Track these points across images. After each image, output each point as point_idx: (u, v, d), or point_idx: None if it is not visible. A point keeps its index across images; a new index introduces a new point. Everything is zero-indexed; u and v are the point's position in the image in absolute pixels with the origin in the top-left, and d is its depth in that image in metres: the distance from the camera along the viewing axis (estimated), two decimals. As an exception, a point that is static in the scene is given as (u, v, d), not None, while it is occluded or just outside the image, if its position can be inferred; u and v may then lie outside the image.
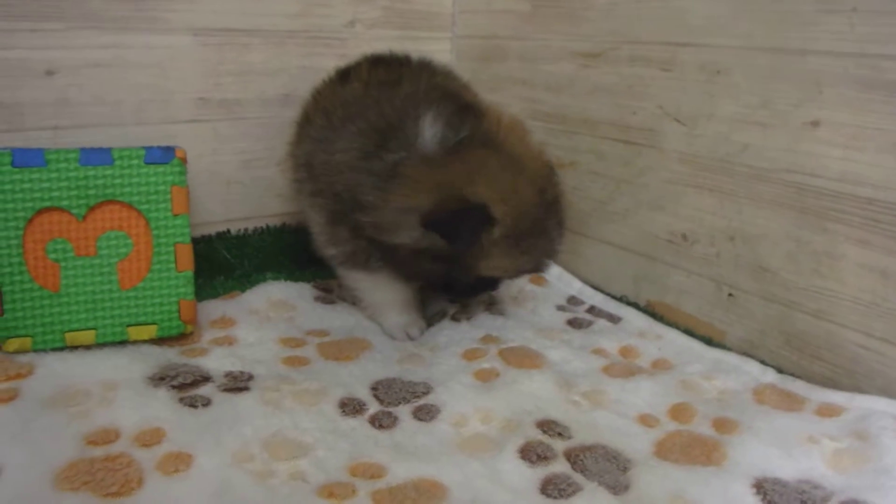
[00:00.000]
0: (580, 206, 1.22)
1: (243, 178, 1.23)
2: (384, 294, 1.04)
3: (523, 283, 1.20)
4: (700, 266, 1.05)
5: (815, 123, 0.88)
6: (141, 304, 0.89)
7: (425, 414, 0.80)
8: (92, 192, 0.85)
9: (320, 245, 1.02)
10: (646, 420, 0.79)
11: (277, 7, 1.19)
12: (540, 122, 1.25)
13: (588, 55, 1.17)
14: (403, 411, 0.80)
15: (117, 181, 0.86)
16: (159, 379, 0.81)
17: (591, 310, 1.12)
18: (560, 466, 0.71)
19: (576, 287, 1.19)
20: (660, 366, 0.94)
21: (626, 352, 0.98)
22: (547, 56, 1.24)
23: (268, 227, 1.27)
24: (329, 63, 1.26)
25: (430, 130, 0.89)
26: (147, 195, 0.87)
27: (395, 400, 0.82)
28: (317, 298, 1.11)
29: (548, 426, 0.77)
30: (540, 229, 0.89)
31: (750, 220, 0.97)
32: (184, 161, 0.90)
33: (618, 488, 0.67)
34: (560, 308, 1.13)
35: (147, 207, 0.88)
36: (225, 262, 1.22)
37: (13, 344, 0.84)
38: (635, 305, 1.12)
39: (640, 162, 1.11)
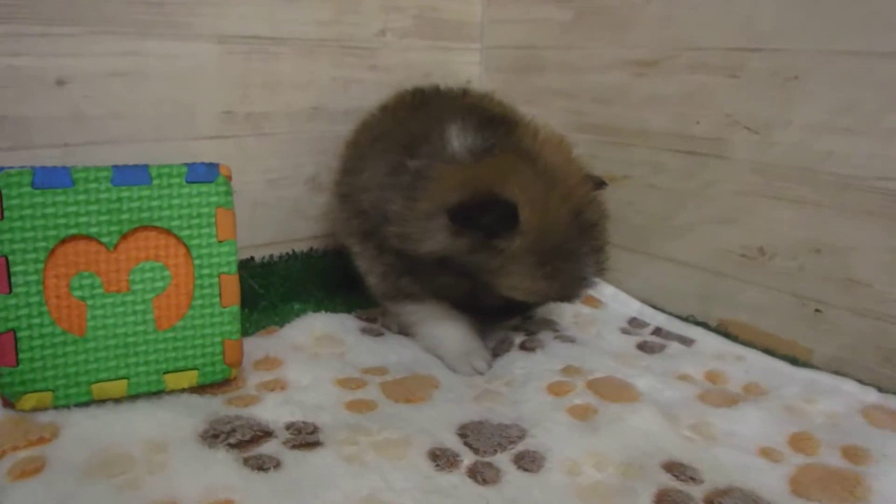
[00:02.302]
0: (634, 222, 1.12)
1: (269, 199, 1.09)
2: (438, 324, 0.93)
3: (577, 307, 1.09)
4: (780, 281, 0.95)
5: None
6: (180, 347, 0.74)
7: (530, 462, 0.67)
8: (126, 216, 0.70)
9: (371, 286, 0.96)
10: (768, 454, 0.70)
11: (308, 14, 1.06)
12: (586, 135, 1.15)
13: (642, 63, 1.07)
14: (503, 461, 0.68)
15: (155, 203, 0.71)
16: (213, 436, 0.67)
17: (658, 332, 1.01)
18: None
19: (634, 307, 1.08)
20: (752, 390, 0.84)
21: (712, 377, 0.88)
22: (593, 66, 1.14)
23: (294, 252, 1.13)
24: (359, 74, 1.14)
25: (457, 139, 0.85)
26: (189, 219, 0.73)
27: (491, 447, 0.69)
28: (363, 331, 0.97)
29: (676, 469, 0.66)
30: (569, 253, 0.80)
31: (837, 231, 0.88)
32: (229, 179, 0.76)
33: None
34: (624, 331, 1.02)
35: (188, 233, 0.73)
36: (250, 293, 1.07)
37: (29, 400, 0.68)
38: (704, 325, 1.02)
39: (705, 173, 1.02)
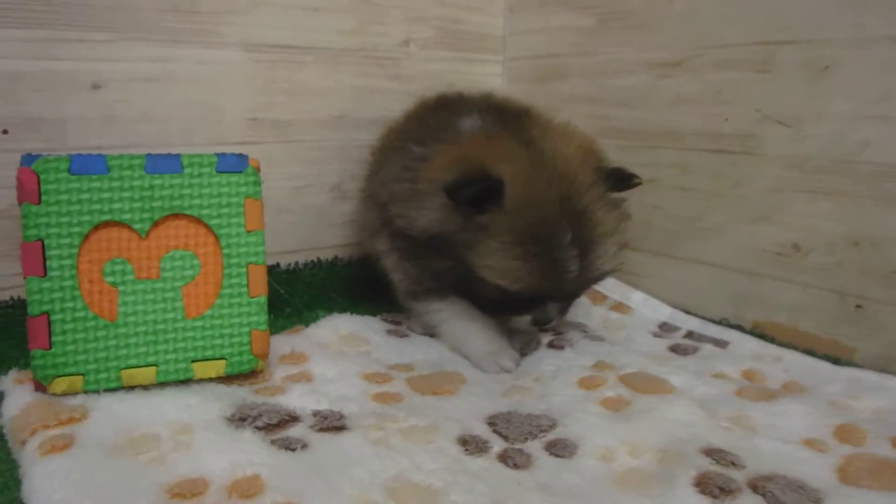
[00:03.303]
0: (663, 226, 1.12)
1: (293, 206, 1.12)
2: (464, 323, 0.93)
3: (605, 312, 1.09)
4: (818, 278, 0.94)
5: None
6: (208, 336, 0.76)
7: (562, 449, 0.67)
8: (157, 204, 0.73)
9: (396, 285, 0.99)
10: (813, 444, 0.68)
11: (333, 24, 1.10)
12: (612, 140, 1.17)
13: (666, 65, 1.09)
14: (534, 447, 0.67)
15: (186, 192, 0.74)
16: (240, 420, 0.68)
17: (690, 335, 1.00)
18: (751, 500, 0.58)
19: (665, 312, 1.07)
20: (792, 388, 0.83)
21: (749, 375, 0.86)
22: (617, 70, 1.16)
23: (319, 260, 1.16)
24: (382, 84, 1.18)
25: (467, 127, 0.89)
26: (218, 208, 0.75)
27: (521, 435, 0.69)
28: (389, 332, 0.98)
29: (715, 454, 0.65)
30: (549, 238, 0.79)
31: (877, 222, 0.87)
32: (258, 171, 0.79)
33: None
34: (655, 335, 1.01)
35: (218, 222, 0.76)
36: (275, 298, 1.09)
37: (61, 384, 0.70)
38: (739, 328, 1.00)
39: (735, 172, 1.02)
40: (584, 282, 0.86)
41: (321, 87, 1.12)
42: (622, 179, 0.88)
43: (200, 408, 0.69)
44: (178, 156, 0.74)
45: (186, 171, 0.74)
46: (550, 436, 0.69)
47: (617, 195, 0.88)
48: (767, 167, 0.98)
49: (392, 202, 0.88)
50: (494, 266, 0.79)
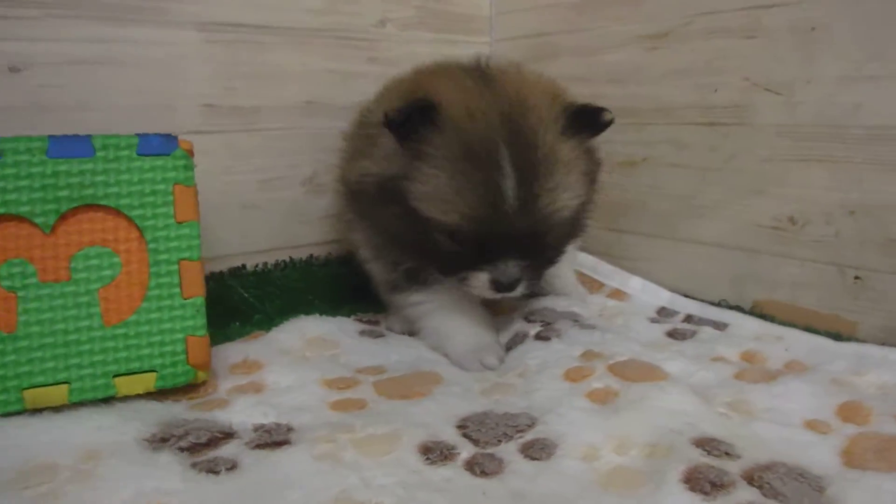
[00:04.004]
0: (659, 206, 0.98)
1: (261, 201, 0.98)
2: (447, 318, 0.80)
3: (603, 300, 0.95)
4: (815, 251, 0.83)
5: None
6: (134, 345, 0.62)
7: (539, 451, 0.54)
8: (64, 193, 0.59)
9: (375, 277, 0.88)
10: (815, 426, 0.60)
11: (301, 1, 0.97)
12: (604, 118, 1.03)
13: (654, 37, 0.96)
14: (508, 451, 0.54)
15: (100, 179, 0.60)
16: (160, 440, 0.54)
17: (689, 319, 0.87)
18: (746, 494, 0.49)
19: (664, 297, 0.94)
20: (794, 367, 0.73)
21: (749, 357, 0.76)
22: (606, 46, 1.02)
23: (292, 260, 1.02)
24: (358, 67, 1.04)
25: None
26: (141, 197, 0.62)
27: (493, 438, 0.56)
28: (362, 333, 0.84)
29: (708, 444, 0.54)
30: (484, 157, 0.67)
31: (873, 188, 0.77)
32: (190, 154, 0.65)
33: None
34: (653, 321, 0.88)
35: (141, 213, 0.62)
36: (241, 305, 0.95)
37: (-48, 408, 0.57)
38: (739, 309, 0.88)
39: (728, 144, 0.89)
40: (535, 221, 0.69)
41: (289, 70, 0.98)
42: (590, 115, 0.72)
43: (114, 430, 0.55)
44: (88, 137, 0.60)
45: (99, 154, 0.60)
46: (528, 436, 0.57)
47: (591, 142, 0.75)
48: (760, 137, 0.87)
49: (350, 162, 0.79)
50: (429, 195, 0.68)
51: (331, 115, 1.02)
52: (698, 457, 0.53)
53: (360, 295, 1.00)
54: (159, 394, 0.64)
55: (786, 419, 0.60)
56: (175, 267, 0.63)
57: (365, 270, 0.89)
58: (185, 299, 0.64)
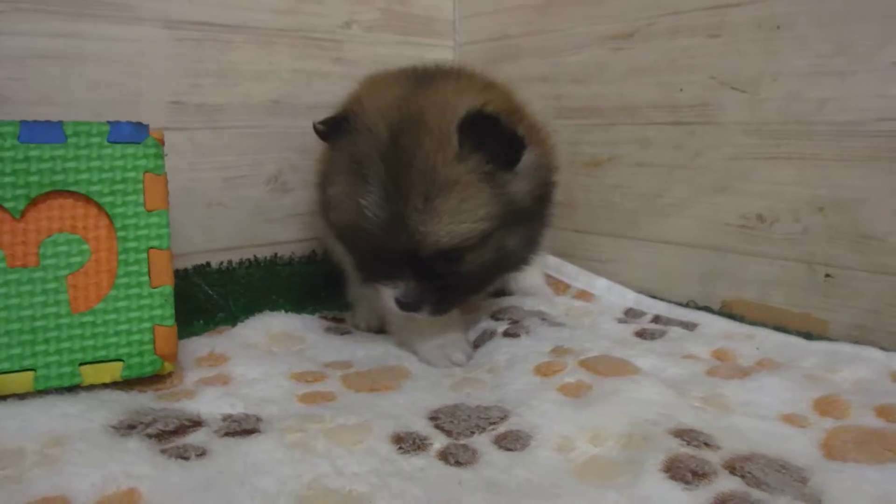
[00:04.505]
0: (624, 206, 1.02)
1: (226, 199, 1.00)
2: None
3: (568, 301, 0.99)
4: (784, 248, 0.85)
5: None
6: (100, 334, 0.63)
7: (513, 442, 0.55)
8: (34, 178, 0.60)
9: (348, 271, 0.90)
10: (793, 420, 0.60)
11: (266, 1, 1.00)
12: (567, 120, 1.07)
13: (618, 36, 1.00)
14: (481, 442, 0.56)
15: (70, 165, 0.62)
16: (128, 427, 0.55)
17: (657, 319, 0.90)
18: (728, 483, 0.49)
19: (630, 298, 0.97)
20: (766, 365, 0.74)
21: (721, 355, 0.77)
22: (569, 46, 1.07)
23: (256, 258, 1.03)
24: (324, 67, 1.07)
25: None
26: (111, 185, 0.63)
27: (466, 429, 0.57)
28: (328, 329, 0.86)
29: (686, 435, 0.55)
30: (364, 167, 0.69)
31: (841, 184, 0.80)
32: (161, 143, 0.67)
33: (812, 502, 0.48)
34: (621, 321, 0.90)
35: (111, 201, 0.63)
36: (206, 303, 0.96)
37: (-87, 396, 0.57)
38: (707, 309, 0.91)
39: (694, 143, 0.93)
40: (413, 242, 0.67)
41: (254, 69, 1.00)
42: (485, 127, 0.67)
43: (82, 417, 0.56)
44: (59, 123, 0.62)
45: (71, 140, 0.62)
46: (501, 428, 0.58)
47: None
48: (726, 135, 0.90)
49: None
50: (328, 200, 0.75)
51: (296, 114, 1.04)
52: (677, 447, 0.53)
53: (324, 295, 1.02)
54: (125, 384, 0.65)
55: (762, 413, 0.61)
56: (144, 255, 0.65)
57: (337, 263, 0.90)
58: (154, 288, 0.65)
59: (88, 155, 0.62)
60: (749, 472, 0.50)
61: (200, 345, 0.75)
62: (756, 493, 0.48)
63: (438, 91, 0.73)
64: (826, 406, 0.62)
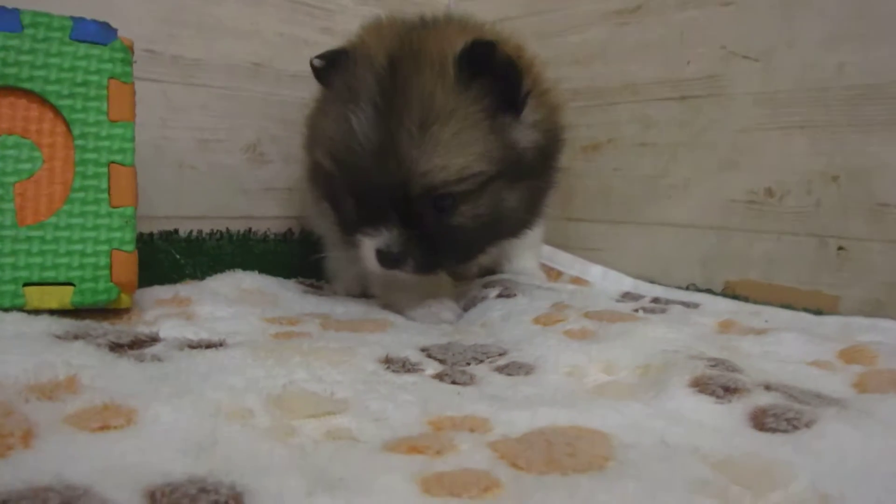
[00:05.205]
0: (622, 190, 1.00)
1: (198, 162, 0.95)
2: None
3: (563, 286, 0.94)
4: (794, 223, 0.83)
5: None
6: (49, 252, 0.57)
7: (516, 369, 0.51)
8: (-16, 70, 0.56)
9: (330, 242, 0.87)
10: (820, 365, 0.56)
11: (254, -44, 0.98)
12: (568, 102, 1.06)
13: (624, 11, 1.00)
14: (480, 370, 0.51)
15: (25, 58, 0.57)
16: (74, 337, 0.49)
17: (657, 301, 0.85)
18: (765, 398, 0.44)
19: (627, 283, 0.93)
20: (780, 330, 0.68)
21: (726, 326, 0.72)
22: (571, 25, 1.06)
23: (228, 231, 0.98)
24: (311, 35, 1.05)
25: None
26: (71, 87, 0.58)
27: (462, 360, 0.52)
28: (305, 292, 0.81)
29: (712, 360, 0.50)
30: (352, 94, 0.67)
31: (858, 151, 0.78)
32: (130, 50, 0.63)
33: (859, 415, 0.43)
34: (618, 302, 0.86)
35: (70, 104, 0.58)
36: (172, 271, 0.90)
37: None
38: (709, 291, 0.87)
39: (701, 118, 0.92)
40: (403, 173, 0.64)
41: (238, 26, 0.97)
42: (482, 55, 0.66)
43: (20, 323, 0.50)
44: (16, 10, 0.57)
45: (28, 31, 0.57)
46: (500, 361, 0.53)
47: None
48: (735, 108, 0.89)
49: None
50: (316, 136, 0.72)
51: (278, 80, 1.01)
52: (703, 367, 0.48)
53: (301, 273, 0.96)
54: (75, 313, 0.58)
55: (787, 358, 0.57)
56: (104, 170, 0.60)
57: (317, 232, 0.87)
58: (113, 208, 0.60)
59: (47, 50, 0.58)
60: (787, 392, 0.46)
61: (163, 291, 0.70)
62: (798, 406, 0.43)
63: (443, 30, 0.72)
64: (853, 355, 0.58)
